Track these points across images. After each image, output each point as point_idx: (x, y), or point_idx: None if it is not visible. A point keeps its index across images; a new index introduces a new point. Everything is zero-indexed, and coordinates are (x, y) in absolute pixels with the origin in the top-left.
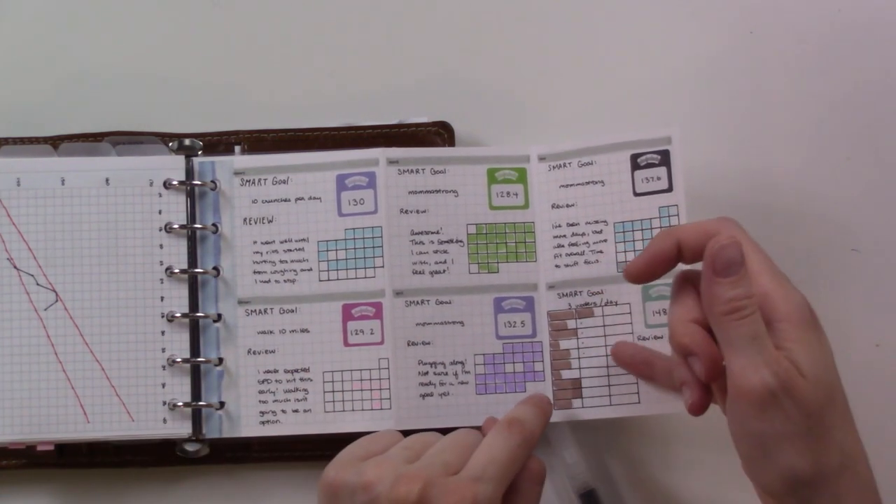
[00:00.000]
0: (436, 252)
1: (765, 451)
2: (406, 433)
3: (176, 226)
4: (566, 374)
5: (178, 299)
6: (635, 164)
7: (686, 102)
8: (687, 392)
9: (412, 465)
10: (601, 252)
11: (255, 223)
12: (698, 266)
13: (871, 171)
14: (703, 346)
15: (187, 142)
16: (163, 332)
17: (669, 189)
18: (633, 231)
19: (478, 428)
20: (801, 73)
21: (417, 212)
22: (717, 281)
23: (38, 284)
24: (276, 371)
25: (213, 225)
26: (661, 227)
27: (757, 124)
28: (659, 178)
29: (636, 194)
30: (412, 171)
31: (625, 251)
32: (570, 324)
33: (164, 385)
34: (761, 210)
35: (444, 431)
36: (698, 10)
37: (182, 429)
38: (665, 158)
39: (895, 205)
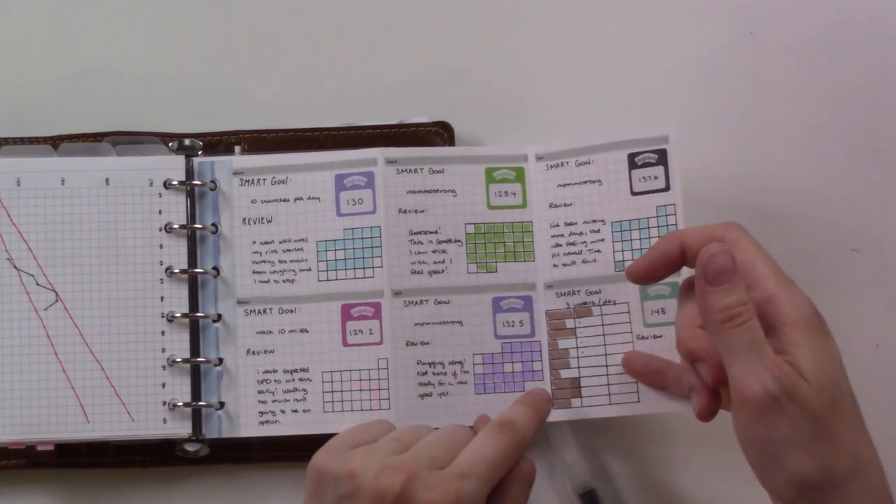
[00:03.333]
0: (434, 252)
1: (771, 456)
2: None
3: (176, 226)
4: (565, 373)
5: (178, 299)
6: (633, 163)
7: (686, 102)
8: (695, 398)
9: (398, 457)
10: (599, 251)
11: (255, 223)
12: None
13: (871, 171)
14: (709, 352)
15: (187, 142)
16: (163, 333)
17: (667, 188)
18: (630, 230)
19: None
20: (801, 73)
21: (416, 211)
22: (710, 290)
23: (38, 284)
24: (275, 371)
25: (213, 225)
26: (658, 227)
27: (757, 124)
28: (656, 178)
29: (633, 193)
30: (410, 170)
31: (622, 250)
32: (569, 323)
33: (164, 385)
34: (761, 210)
35: None
36: (698, 10)
37: (182, 429)
38: (662, 157)
39: (895, 205)
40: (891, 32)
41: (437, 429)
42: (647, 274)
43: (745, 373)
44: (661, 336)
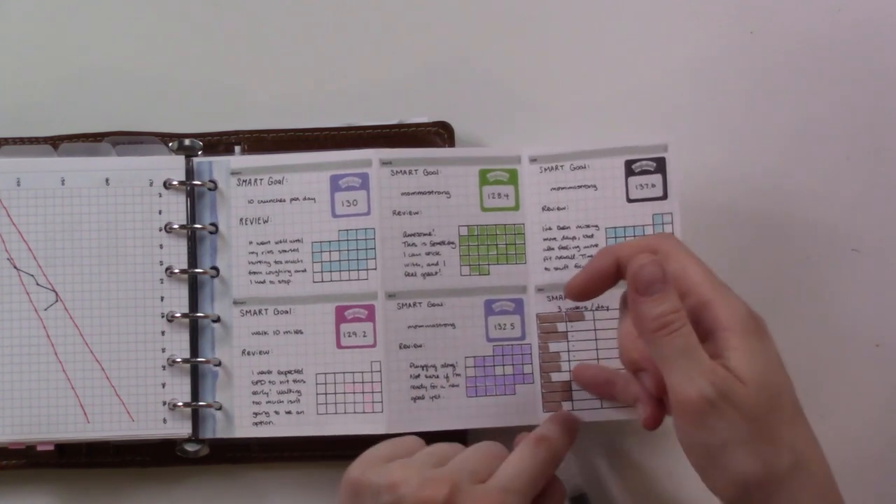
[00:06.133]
0: (428, 254)
1: (712, 459)
2: (398, 436)
3: (176, 226)
4: (555, 376)
5: (178, 299)
6: (630, 170)
7: (686, 102)
8: (641, 407)
9: (439, 469)
10: (592, 256)
11: (251, 223)
12: None
13: (871, 171)
14: (650, 361)
15: (187, 142)
16: (163, 333)
17: (664, 197)
18: (625, 237)
19: (464, 431)
20: (801, 73)
21: (410, 213)
22: (641, 300)
23: (38, 284)
24: (269, 372)
25: (213, 225)
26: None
27: (757, 124)
28: (654, 186)
29: (629, 200)
30: (405, 172)
31: None
32: (560, 327)
33: (164, 385)
34: (762, 210)
35: (435, 434)
36: (698, 11)
37: (182, 429)
38: (661, 166)
39: (895, 205)
40: (891, 32)
41: (461, 444)
42: (584, 290)
43: (681, 380)
44: None
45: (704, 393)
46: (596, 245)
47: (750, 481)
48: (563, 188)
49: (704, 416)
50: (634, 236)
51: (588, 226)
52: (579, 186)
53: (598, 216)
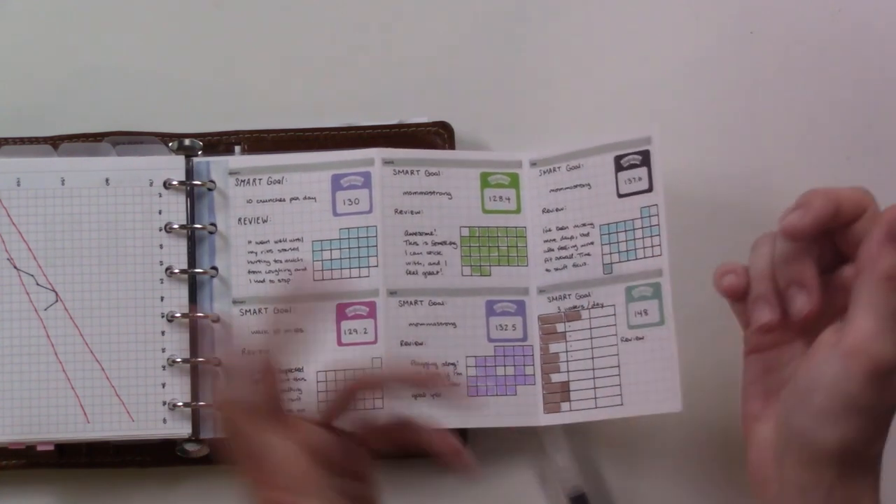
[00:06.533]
0: (429, 253)
1: (843, 412)
2: None
3: (176, 226)
4: (555, 377)
5: (178, 299)
6: (619, 165)
7: (687, 103)
8: (767, 309)
9: None
10: (588, 255)
11: (250, 223)
12: None
13: (871, 171)
14: (816, 284)
15: (187, 142)
16: (163, 332)
17: (650, 189)
18: (617, 233)
19: (464, 431)
20: (800, 73)
21: (412, 212)
22: (888, 245)
23: (38, 284)
24: None
25: (212, 225)
26: (642, 228)
27: (757, 124)
28: (640, 179)
29: (620, 195)
30: (407, 171)
31: (610, 253)
32: (559, 327)
33: (164, 385)
34: (762, 210)
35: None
36: (698, 11)
37: (182, 429)
38: (646, 158)
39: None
40: (891, 32)
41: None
42: (812, 233)
43: (878, 332)
44: (643, 338)
45: (891, 355)
46: (592, 243)
47: (856, 449)
48: (560, 189)
49: (876, 373)
50: (626, 231)
51: (584, 224)
52: (575, 186)
53: (593, 214)
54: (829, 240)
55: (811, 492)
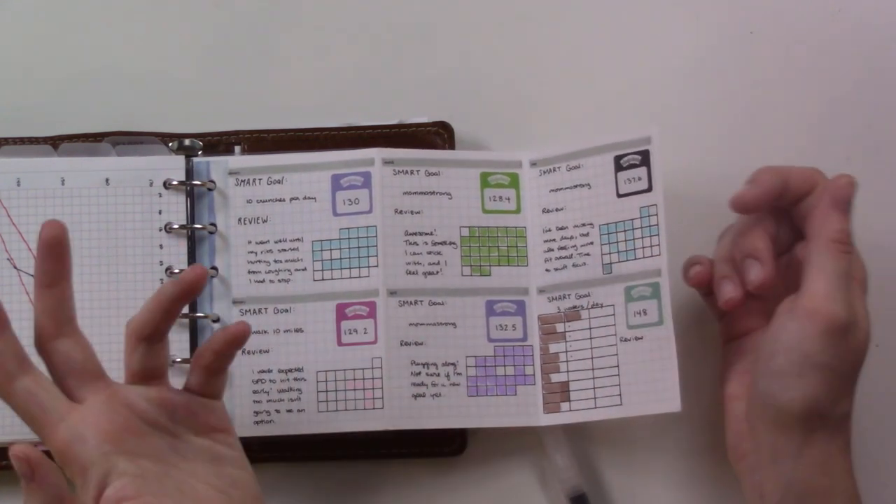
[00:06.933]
0: (429, 253)
1: (802, 371)
2: (399, 433)
3: (176, 226)
4: (555, 377)
5: None
6: (618, 165)
7: (687, 102)
8: (730, 286)
9: None
10: (588, 255)
11: (250, 223)
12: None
13: (871, 171)
14: (769, 255)
15: (187, 142)
16: None
17: (649, 189)
18: (616, 233)
19: (464, 430)
20: (800, 73)
21: (412, 212)
22: (834, 211)
23: None
24: (269, 371)
25: (212, 224)
26: (641, 228)
27: (757, 124)
28: (640, 179)
29: (619, 195)
30: (407, 171)
31: (610, 252)
32: (559, 327)
33: None
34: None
35: (436, 432)
36: (698, 11)
37: None
38: (645, 158)
39: (895, 205)
40: (891, 32)
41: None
42: (757, 205)
43: (830, 293)
44: (642, 338)
45: (842, 315)
46: (591, 243)
47: (820, 409)
48: (560, 189)
49: (830, 333)
50: (625, 231)
51: (584, 224)
52: (574, 186)
53: (593, 214)
54: (786, 219)
55: (782, 455)
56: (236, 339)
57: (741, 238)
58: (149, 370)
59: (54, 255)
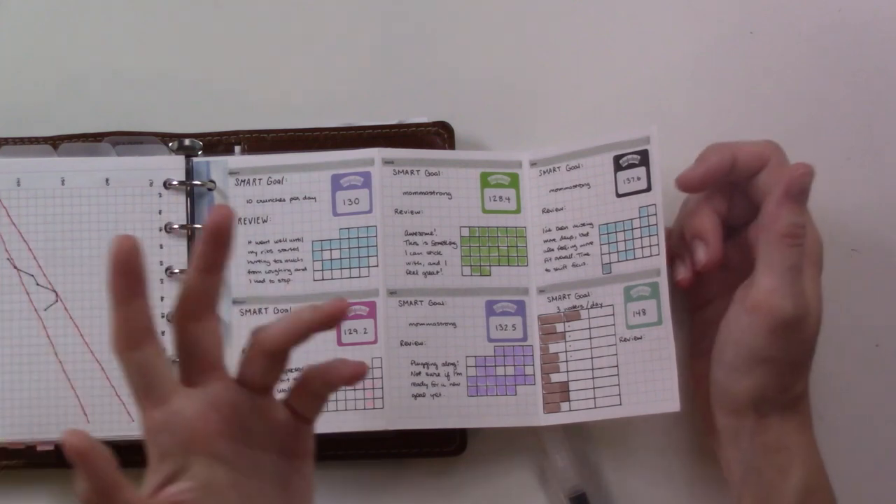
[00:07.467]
0: (429, 253)
1: (750, 365)
2: (399, 433)
3: (176, 226)
4: (555, 377)
5: None
6: (618, 165)
7: (687, 103)
8: (681, 266)
9: None
10: (587, 254)
11: (250, 223)
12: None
13: (871, 171)
14: (715, 235)
15: (187, 142)
16: (163, 332)
17: (648, 189)
18: (615, 232)
19: (464, 430)
20: (801, 73)
21: (412, 212)
22: (788, 204)
23: (38, 284)
24: None
25: None
26: (640, 227)
27: (756, 124)
28: (639, 178)
29: (619, 195)
30: (407, 171)
31: (609, 252)
32: (559, 327)
33: None
34: None
35: (436, 432)
36: (698, 10)
37: None
38: (644, 158)
39: (895, 205)
40: (891, 32)
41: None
42: (703, 183)
43: (777, 288)
44: (641, 338)
45: (788, 311)
46: (591, 243)
47: (768, 397)
48: (560, 189)
49: (777, 328)
50: (624, 231)
51: (583, 224)
52: (574, 186)
53: (592, 214)
54: (741, 194)
55: (739, 436)
56: (354, 378)
57: (689, 217)
58: (260, 383)
59: (220, 242)
